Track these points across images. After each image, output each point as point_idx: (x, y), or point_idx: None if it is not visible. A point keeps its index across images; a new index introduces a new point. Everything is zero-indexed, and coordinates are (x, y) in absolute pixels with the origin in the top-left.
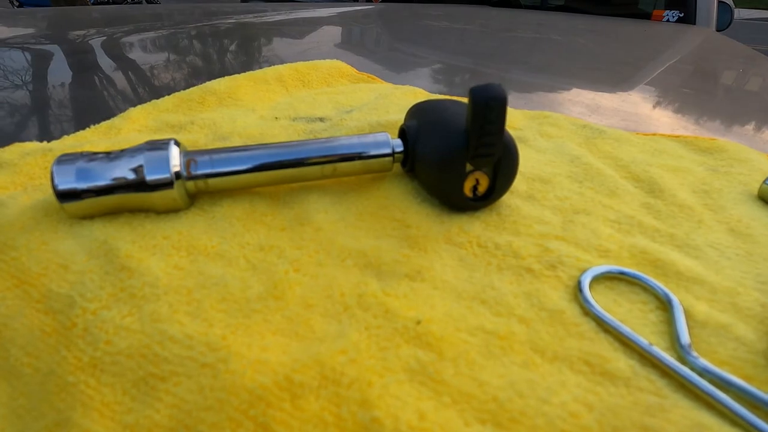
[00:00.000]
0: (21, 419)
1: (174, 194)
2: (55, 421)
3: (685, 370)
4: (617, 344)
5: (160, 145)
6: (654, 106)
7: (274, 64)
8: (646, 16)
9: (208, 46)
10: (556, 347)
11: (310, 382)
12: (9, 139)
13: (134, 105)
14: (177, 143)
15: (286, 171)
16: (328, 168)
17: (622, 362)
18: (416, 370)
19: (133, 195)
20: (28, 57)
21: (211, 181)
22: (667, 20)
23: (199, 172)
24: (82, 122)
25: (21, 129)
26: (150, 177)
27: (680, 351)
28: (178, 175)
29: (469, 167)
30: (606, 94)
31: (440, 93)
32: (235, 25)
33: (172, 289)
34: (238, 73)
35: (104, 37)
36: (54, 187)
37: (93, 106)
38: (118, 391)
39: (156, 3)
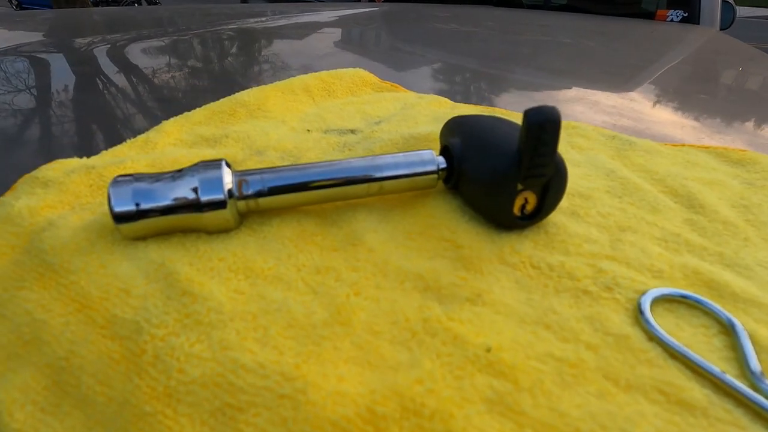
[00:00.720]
0: None
1: (226, 214)
2: None
3: (761, 399)
4: (688, 371)
5: (212, 167)
6: (670, 109)
7: (287, 70)
8: (650, 15)
9: (218, 51)
10: (628, 375)
11: (392, 413)
12: (35, 149)
13: (150, 112)
14: (227, 164)
15: (334, 190)
16: (374, 186)
17: (696, 391)
18: (494, 400)
19: (186, 216)
20: (38, 64)
21: (262, 200)
22: (671, 20)
23: (251, 192)
24: (109, 133)
25: (46, 140)
26: (204, 198)
27: (752, 378)
28: (230, 194)
29: (519, 186)
30: (618, 96)
31: (455, 96)
32: (243, 29)
33: (237, 315)
34: (255, 78)
35: (112, 44)
36: (111, 208)
37: (111, 115)
38: (196, 421)
39: (156, 4)
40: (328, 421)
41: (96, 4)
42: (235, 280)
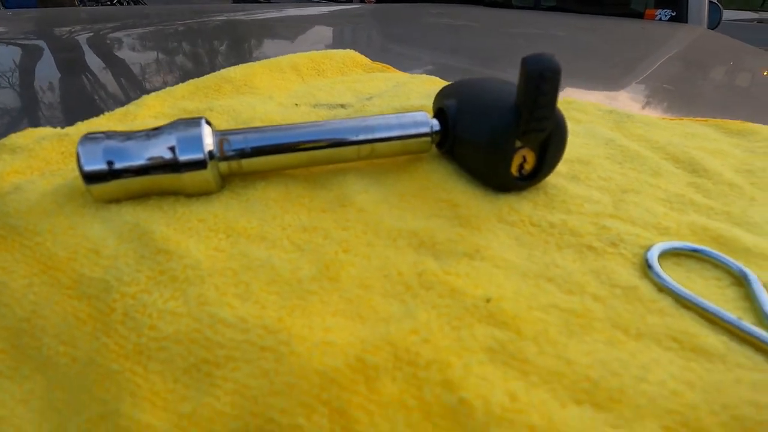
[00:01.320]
0: (59, 413)
1: (207, 175)
2: (99, 413)
3: None
4: (702, 321)
5: (191, 124)
6: (666, 103)
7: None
8: (639, 15)
9: (206, 46)
10: (638, 324)
11: (384, 363)
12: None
13: (133, 97)
14: (208, 122)
15: (323, 152)
16: (365, 148)
17: (712, 338)
18: (496, 349)
19: (163, 176)
20: (23, 55)
21: (245, 161)
22: (660, 19)
23: (233, 152)
24: (89, 114)
25: (27, 121)
26: (182, 157)
27: None
28: (211, 155)
29: (517, 143)
30: (612, 92)
31: None
32: (230, 23)
33: (217, 272)
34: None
35: (95, 33)
36: (80, 168)
37: (92, 100)
38: (168, 379)
39: (142, 4)
40: (315, 372)
41: (83, 4)
42: (216, 239)
